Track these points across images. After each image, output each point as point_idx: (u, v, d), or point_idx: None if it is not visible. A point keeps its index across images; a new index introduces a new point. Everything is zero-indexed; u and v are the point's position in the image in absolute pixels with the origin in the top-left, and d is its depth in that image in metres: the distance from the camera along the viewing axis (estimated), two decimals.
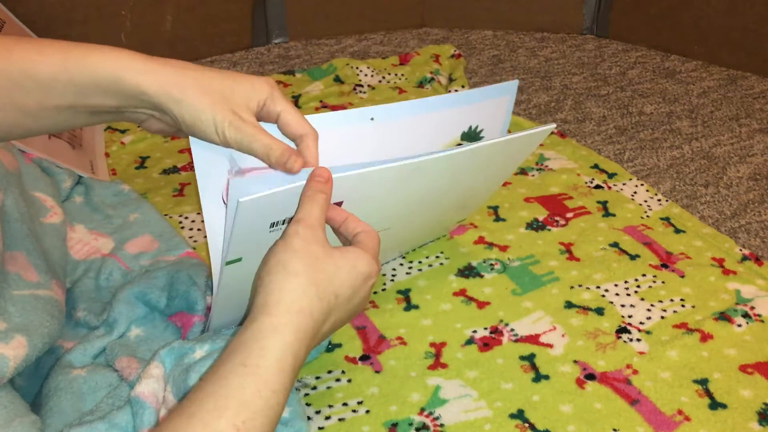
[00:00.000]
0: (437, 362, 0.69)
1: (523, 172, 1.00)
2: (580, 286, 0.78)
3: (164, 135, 0.57)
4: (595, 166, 1.01)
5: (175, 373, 0.60)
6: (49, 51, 0.51)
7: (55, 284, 0.66)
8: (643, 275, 0.80)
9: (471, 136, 0.72)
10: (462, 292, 0.77)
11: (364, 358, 0.69)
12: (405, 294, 0.77)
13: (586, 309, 0.75)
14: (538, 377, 0.67)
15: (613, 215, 0.91)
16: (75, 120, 0.54)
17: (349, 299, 0.54)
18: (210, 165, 0.58)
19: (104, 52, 0.51)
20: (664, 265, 0.82)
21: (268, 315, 0.49)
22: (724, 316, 0.74)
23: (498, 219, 0.90)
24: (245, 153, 0.55)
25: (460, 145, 0.68)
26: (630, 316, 0.74)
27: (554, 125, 0.67)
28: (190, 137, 0.56)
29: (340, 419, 0.63)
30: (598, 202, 0.93)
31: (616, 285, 0.79)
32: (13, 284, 0.62)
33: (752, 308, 0.75)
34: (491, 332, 0.72)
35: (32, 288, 0.63)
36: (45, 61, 0.50)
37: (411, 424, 0.62)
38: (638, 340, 0.71)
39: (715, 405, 0.64)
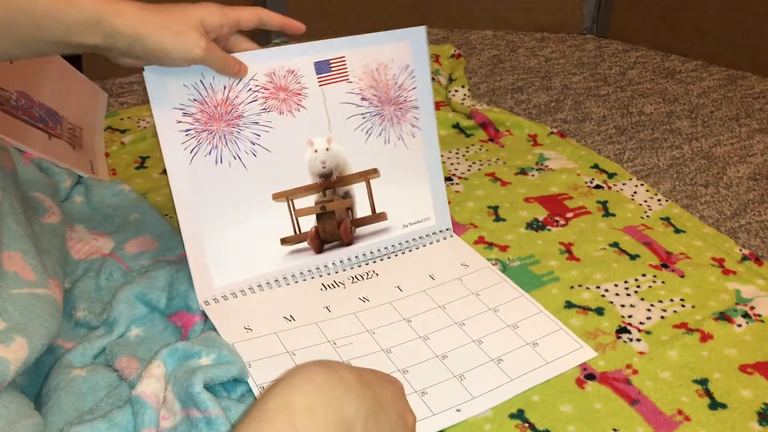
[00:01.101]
0: None
1: (523, 172, 1.00)
2: (580, 286, 0.78)
3: (132, 66, 0.67)
4: (595, 166, 1.01)
5: (178, 373, 0.60)
6: None
7: (53, 283, 0.66)
8: (643, 275, 0.80)
9: None
10: None
11: None
12: None
13: (586, 309, 0.75)
14: None
15: (613, 215, 0.91)
16: (56, 51, 0.62)
17: None
18: (163, 89, 0.68)
19: None
20: (664, 265, 0.82)
21: None
22: (724, 316, 0.74)
23: (498, 219, 0.90)
24: (204, 65, 0.68)
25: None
26: (630, 316, 0.74)
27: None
28: (144, 72, 0.67)
29: None
30: (598, 202, 0.93)
31: (616, 285, 0.79)
32: (12, 283, 0.62)
33: (752, 308, 0.75)
34: None
35: (30, 287, 0.63)
36: (41, 1, 0.58)
37: None
38: (638, 340, 0.71)
39: (715, 405, 0.64)
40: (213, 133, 0.71)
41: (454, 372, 0.66)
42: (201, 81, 0.69)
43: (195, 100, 0.69)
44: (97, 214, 0.84)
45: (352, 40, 0.76)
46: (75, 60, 1.15)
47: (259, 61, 0.71)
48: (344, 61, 0.76)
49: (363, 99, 0.78)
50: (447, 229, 0.84)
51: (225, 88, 0.70)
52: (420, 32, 0.80)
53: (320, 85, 0.75)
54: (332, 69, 0.75)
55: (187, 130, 0.69)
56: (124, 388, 0.61)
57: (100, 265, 0.75)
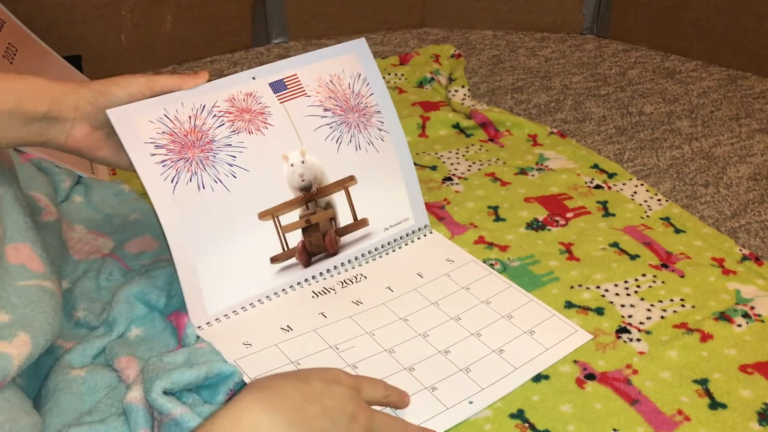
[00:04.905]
0: None
1: (523, 172, 1.00)
2: (580, 286, 0.78)
3: (89, 146, 0.68)
4: (595, 166, 1.01)
5: (144, 380, 0.59)
6: None
7: (56, 280, 0.66)
8: (643, 275, 0.80)
9: None
10: None
11: None
12: None
13: (586, 309, 0.75)
14: (538, 377, 0.67)
15: (613, 215, 0.91)
16: (9, 129, 0.63)
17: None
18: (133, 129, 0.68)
19: (33, 75, 0.65)
20: (664, 265, 0.82)
21: None
22: (724, 316, 0.74)
23: (498, 219, 0.90)
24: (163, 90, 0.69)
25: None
26: (630, 316, 0.74)
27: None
28: (108, 114, 0.66)
29: None
30: (598, 202, 0.93)
31: (616, 285, 0.79)
32: (17, 275, 0.61)
33: (752, 308, 0.75)
34: None
35: (38, 279, 0.63)
36: None
37: None
38: (638, 340, 0.71)
39: (715, 405, 0.64)
40: (189, 161, 0.70)
41: (459, 366, 0.67)
42: (165, 115, 0.69)
43: (164, 132, 0.69)
44: (97, 214, 0.84)
45: (299, 59, 0.77)
46: (75, 60, 1.16)
47: (216, 90, 0.72)
48: (297, 78, 0.77)
49: (326, 110, 0.78)
50: (426, 227, 0.84)
51: (190, 118, 0.70)
52: (362, 43, 0.82)
53: (281, 102, 0.76)
54: (288, 87, 0.76)
55: (163, 161, 0.69)
56: (123, 389, 0.61)
57: (100, 265, 0.75)
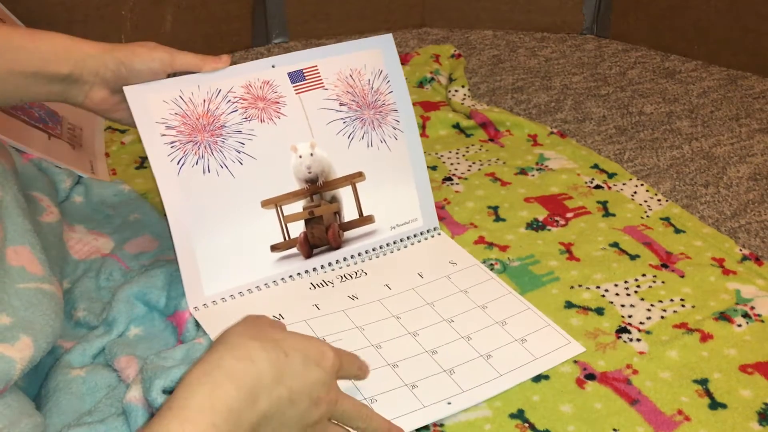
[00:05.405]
0: None
1: (523, 172, 1.00)
2: (580, 286, 0.78)
3: (105, 109, 0.70)
4: (595, 166, 1.01)
5: (144, 379, 0.59)
6: (19, 27, 0.63)
7: (56, 281, 0.66)
8: (643, 275, 0.80)
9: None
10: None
11: None
12: None
13: (586, 309, 0.75)
14: (538, 377, 0.67)
15: (613, 215, 0.91)
16: (34, 87, 0.66)
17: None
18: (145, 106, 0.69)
19: (59, 33, 0.67)
20: (664, 265, 0.82)
21: None
22: (724, 316, 0.74)
23: (498, 219, 0.90)
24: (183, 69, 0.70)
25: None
26: (630, 316, 0.74)
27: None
28: (125, 90, 0.68)
29: None
30: (598, 202, 0.93)
31: (616, 285, 0.79)
32: (18, 278, 0.61)
33: (752, 308, 0.75)
34: None
35: (38, 281, 0.63)
36: (17, 33, 0.65)
37: None
38: (638, 340, 0.71)
39: (715, 405, 0.64)
40: (198, 144, 0.71)
41: (443, 367, 0.66)
42: (180, 96, 0.70)
43: (176, 114, 0.70)
44: (97, 214, 0.84)
45: (322, 50, 0.78)
46: None
47: (234, 75, 0.73)
48: (317, 69, 0.77)
49: (341, 104, 0.79)
50: (434, 229, 0.84)
51: (204, 101, 0.72)
52: (388, 39, 0.82)
53: (297, 93, 0.76)
54: (306, 78, 0.77)
55: (172, 143, 0.70)
56: (123, 389, 0.61)
57: (100, 265, 0.75)
